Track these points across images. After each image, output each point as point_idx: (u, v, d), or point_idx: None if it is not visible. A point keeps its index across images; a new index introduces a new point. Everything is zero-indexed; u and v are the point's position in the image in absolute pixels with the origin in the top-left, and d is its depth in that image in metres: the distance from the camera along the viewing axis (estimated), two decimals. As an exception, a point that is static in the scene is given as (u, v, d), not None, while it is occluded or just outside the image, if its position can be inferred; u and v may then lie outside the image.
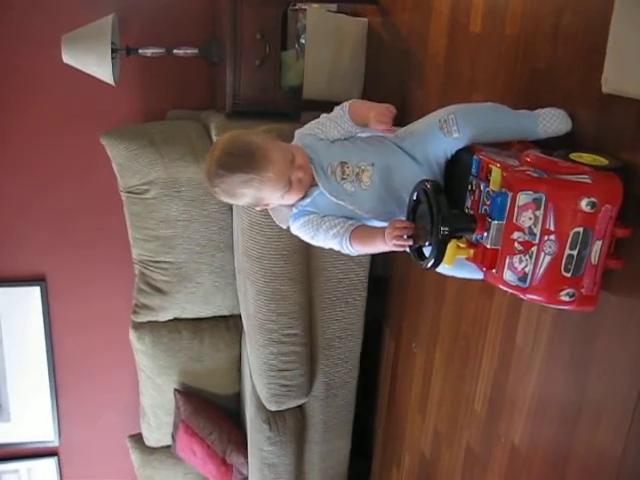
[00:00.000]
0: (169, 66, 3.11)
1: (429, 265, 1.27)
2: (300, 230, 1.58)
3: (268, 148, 1.47)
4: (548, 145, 1.48)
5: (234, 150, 1.48)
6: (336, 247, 1.54)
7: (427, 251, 1.30)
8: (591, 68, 1.42)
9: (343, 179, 1.53)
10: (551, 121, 1.48)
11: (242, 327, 2.98)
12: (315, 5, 2.82)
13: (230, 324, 3.15)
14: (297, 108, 2.78)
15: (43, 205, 3.31)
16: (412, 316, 2.48)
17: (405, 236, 1.37)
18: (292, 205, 1.56)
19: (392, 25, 2.63)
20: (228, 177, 1.47)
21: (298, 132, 1.63)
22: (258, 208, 1.62)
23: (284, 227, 1.63)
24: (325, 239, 1.54)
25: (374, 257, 2.49)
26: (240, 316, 2.98)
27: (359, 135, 1.61)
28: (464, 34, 2.04)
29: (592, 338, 1.43)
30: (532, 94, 1.67)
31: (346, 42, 2.75)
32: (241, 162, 1.46)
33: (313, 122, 1.63)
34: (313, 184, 1.55)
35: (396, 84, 2.56)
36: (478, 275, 1.43)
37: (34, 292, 3.43)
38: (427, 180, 1.29)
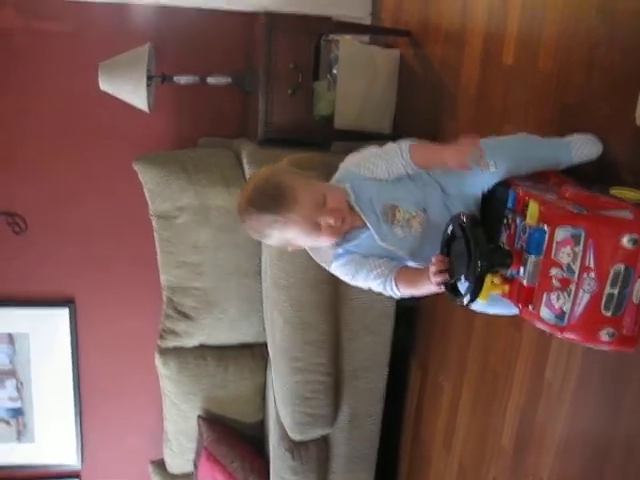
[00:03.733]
0: (202, 94, 3.15)
1: (465, 301, 1.25)
2: (340, 269, 1.52)
3: (296, 188, 1.41)
4: (583, 178, 1.47)
5: (264, 189, 1.43)
6: (377, 288, 1.49)
7: (462, 287, 1.28)
8: (625, 102, 1.42)
9: (393, 224, 1.47)
10: (583, 146, 1.47)
11: (267, 355, 2.97)
12: (348, 36, 2.85)
13: (255, 352, 3.14)
14: (328, 137, 2.80)
15: (75, 228, 3.35)
16: (439, 348, 2.46)
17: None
18: (336, 244, 1.50)
19: (424, 57, 2.64)
20: (255, 215, 1.43)
21: (344, 167, 1.55)
22: (290, 249, 1.55)
23: (327, 268, 1.56)
24: (366, 280, 1.48)
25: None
26: (266, 344, 2.98)
27: None
28: (496, 66, 2.05)
29: (624, 373, 1.40)
30: (564, 127, 1.66)
31: (378, 73, 2.77)
32: (268, 202, 1.41)
33: (361, 157, 1.53)
34: (359, 225, 1.48)
35: (427, 116, 2.57)
36: (511, 311, 1.41)
37: (63, 314, 3.46)
38: (463, 213, 1.27)
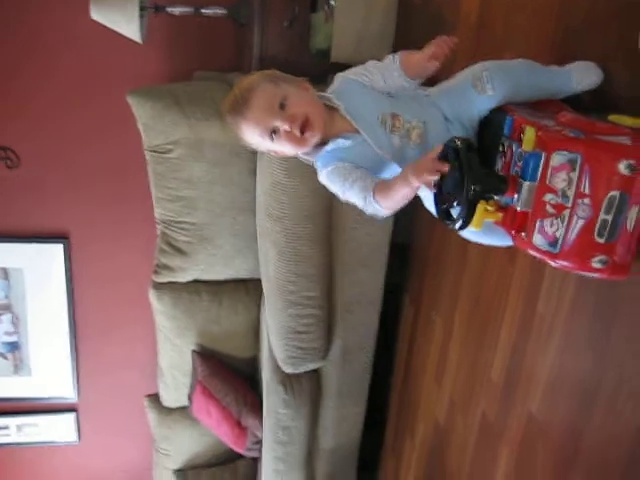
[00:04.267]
0: (197, 26, 3.09)
1: (457, 226, 1.24)
2: (329, 178, 1.47)
3: (254, 90, 1.41)
4: (582, 106, 1.45)
5: (233, 91, 1.46)
6: (359, 202, 1.44)
7: (455, 212, 1.27)
8: (629, 27, 1.38)
9: (392, 132, 1.44)
10: (583, 74, 1.44)
11: (262, 291, 2.98)
12: (346, -34, 2.77)
13: (250, 287, 3.15)
14: (324, 71, 2.73)
15: (68, 162, 3.33)
16: (432, 283, 2.47)
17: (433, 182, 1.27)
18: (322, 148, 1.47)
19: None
20: (226, 117, 1.48)
21: (340, 75, 1.53)
22: (273, 154, 1.53)
23: (310, 163, 1.53)
24: (351, 191, 1.43)
25: (396, 222, 2.46)
26: (260, 280, 2.98)
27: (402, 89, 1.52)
28: None
29: (616, 306, 1.40)
30: (566, 53, 1.62)
31: (376, 5, 2.70)
32: (228, 104, 1.46)
33: (359, 67, 1.53)
34: (348, 131, 1.45)
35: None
36: (505, 242, 1.40)
37: (57, 249, 3.47)
38: (457, 137, 1.24)
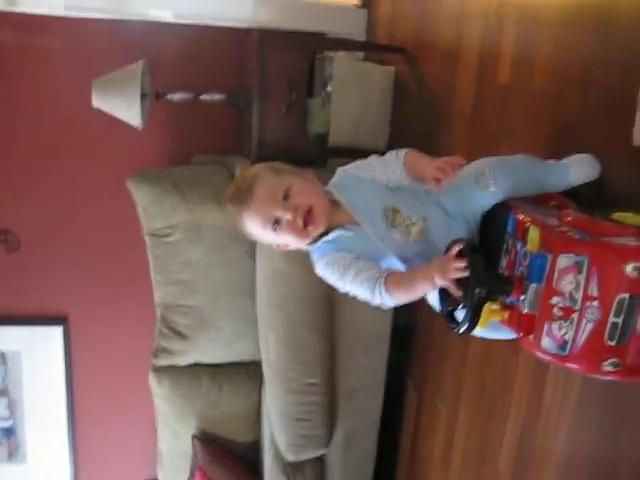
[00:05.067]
0: (196, 111, 3.12)
1: (463, 330, 1.23)
2: (327, 269, 1.44)
3: (258, 180, 1.41)
4: (582, 200, 1.46)
5: (235, 181, 1.48)
6: (365, 293, 1.40)
7: (460, 314, 1.25)
8: (622, 123, 1.40)
9: (393, 227, 1.43)
10: (581, 167, 1.46)
11: (262, 374, 2.93)
12: (342, 53, 2.83)
13: (250, 370, 3.09)
14: (323, 155, 2.78)
15: (67, 245, 3.32)
16: (436, 369, 2.43)
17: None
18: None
19: (419, 74, 2.63)
20: (227, 207, 1.48)
21: (342, 169, 1.54)
22: (276, 248, 1.52)
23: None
24: (353, 282, 1.39)
25: (397, 307, 2.44)
26: (260, 363, 2.94)
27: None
28: (492, 85, 2.04)
29: (624, 396, 1.37)
30: (561, 147, 1.65)
31: (372, 90, 2.75)
32: (231, 194, 1.46)
33: (361, 161, 1.53)
34: (348, 223, 1.45)
35: (422, 133, 2.56)
36: (509, 336, 1.38)
37: (56, 332, 3.42)
38: (461, 239, 1.25)
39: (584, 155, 1.48)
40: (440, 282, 1.27)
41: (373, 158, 1.53)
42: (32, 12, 3.01)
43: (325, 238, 1.45)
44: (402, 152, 1.48)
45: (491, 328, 1.32)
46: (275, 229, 1.41)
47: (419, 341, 2.59)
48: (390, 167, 1.48)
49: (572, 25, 1.64)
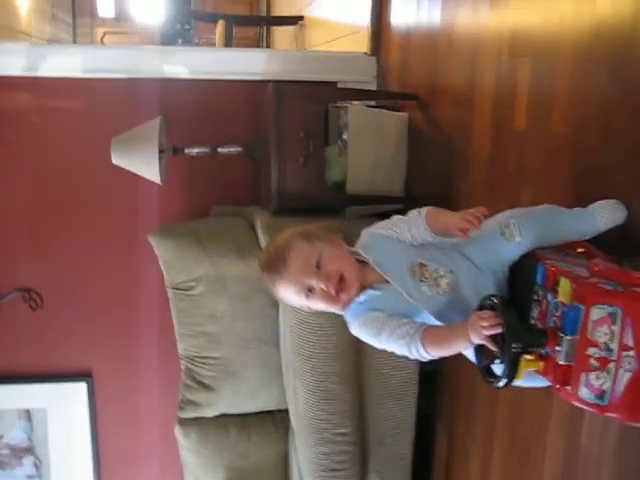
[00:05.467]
0: (213, 164, 3.17)
1: (501, 384, 1.24)
2: (361, 329, 1.48)
3: (290, 250, 1.45)
4: (609, 246, 1.47)
5: (267, 250, 1.52)
6: (401, 350, 1.43)
7: (497, 368, 1.27)
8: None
9: (421, 281, 1.46)
10: (607, 212, 1.47)
11: (289, 422, 2.93)
12: (356, 102, 2.88)
13: (277, 419, 3.10)
14: (342, 203, 2.81)
15: (90, 301, 3.35)
16: (465, 412, 2.42)
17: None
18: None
19: (433, 119, 2.67)
20: (261, 276, 1.51)
21: (367, 231, 1.58)
22: (306, 309, 1.56)
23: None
24: (389, 339, 1.42)
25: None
26: (286, 410, 2.94)
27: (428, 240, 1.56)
28: (508, 131, 2.05)
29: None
30: (582, 192, 1.66)
31: (387, 137, 2.79)
32: (265, 263, 1.50)
33: (385, 222, 1.58)
34: (378, 282, 1.48)
35: (439, 178, 2.58)
36: (542, 384, 1.39)
37: (81, 387, 3.43)
38: (494, 295, 1.27)
39: (610, 200, 1.49)
40: (476, 340, 1.29)
41: (396, 218, 1.57)
42: (51, 76, 3.10)
43: (356, 299, 1.48)
44: (424, 210, 1.52)
45: (527, 378, 1.33)
46: (308, 296, 1.46)
47: (447, 385, 2.58)
48: (413, 225, 1.52)
49: (588, 68, 1.65)
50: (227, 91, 3.23)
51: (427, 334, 1.39)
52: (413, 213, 1.54)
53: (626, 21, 1.51)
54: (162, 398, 3.40)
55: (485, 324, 1.25)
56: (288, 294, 1.48)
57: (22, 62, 3.07)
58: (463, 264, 1.50)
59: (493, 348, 1.26)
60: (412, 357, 1.44)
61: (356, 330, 1.51)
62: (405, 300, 1.47)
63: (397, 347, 1.43)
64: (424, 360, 1.44)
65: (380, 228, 1.56)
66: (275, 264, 1.46)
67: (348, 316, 1.52)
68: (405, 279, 1.47)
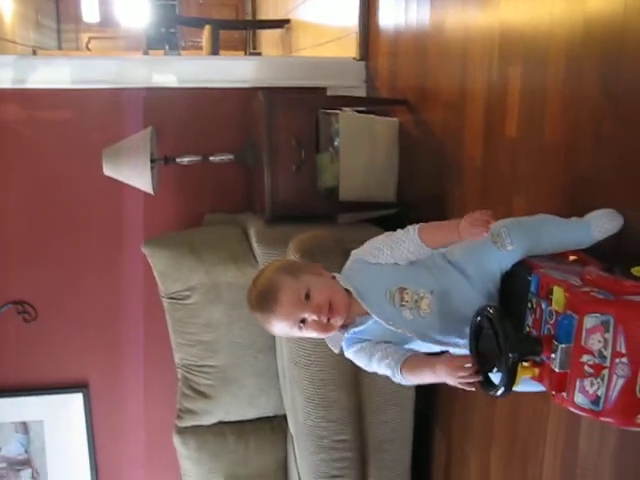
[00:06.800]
0: (205, 172, 3.17)
1: (500, 393, 1.26)
2: (355, 357, 1.57)
3: (279, 289, 1.48)
4: (602, 254, 1.48)
5: (255, 288, 1.54)
6: (388, 375, 1.53)
7: (495, 377, 1.29)
8: (636, 174, 1.43)
9: (402, 305, 1.49)
10: (602, 221, 1.47)
11: (287, 427, 2.94)
12: (346, 108, 2.89)
13: (275, 425, 3.11)
14: (334, 210, 2.82)
15: (83, 311, 3.35)
16: (462, 416, 2.43)
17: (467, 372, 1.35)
18: (344, 329, 1.54)
19: (423, 123, 2.67)
20: (253, 314, 1.56)
21: (353, 253, 1.61)
22: (297, 335, 1.60)
23: (335, 351, 1.60)
24: (379, 367, 1.52)
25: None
26: (284, 416, 2.95)
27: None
28: (500, 137, 2.04)
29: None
30: (576, 199, 1.67)
31: (379, 143, 2.81)
32: (255, 302, 1.53)
33: (369, 244, 1.59)
34: (363, 311, 1.52)
35: (432, 183, 2.58)
36: (537, 389, 1.41)
37: (77, 398, 3.43)
38: (489, 305, 1.29)
39: (606, 210, 1.49)
40: (450, 382, 1.38)
41: (379, 238, 1.58)
42: (40, 87, 3.10)
43: (347, 333, 1.54)
44: (413, 229, 1.53)
45: (522, 384, 1.35)
46: (301, 328, 1.50)
47: (444, 387, 2.59)
48: (402, 246, 1.53)
49: (578, 79, 1.65)
50: (217, 99, 3.23)
51: (405, 365, 1.48)
52: (398, 233, 1.55)
53: (616, 20, 1.51)
54: (159, 408, 3.40)
55: (463, 374, 1.35)
56: (282, 329, 1.52)
57: (10, 74, 3.07)
58: (453, 275, 1.51)
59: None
60: (398, 382, 1.54)
61: (350, 356, 1.59)
62: (389, 329, 1.51)
63: (384, 373, 1.53)
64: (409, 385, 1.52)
65: (363, 252, 1.58)
66: (267, 303, 1.50)
67: (343, 344, 1.57)
68: (384, 307, 1.50)
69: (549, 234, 1.47)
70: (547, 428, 1.85)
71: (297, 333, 1.52)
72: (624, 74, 1.50)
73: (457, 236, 1.45)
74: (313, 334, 1.51)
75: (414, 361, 1.47)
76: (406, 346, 1.53)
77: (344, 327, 1.53)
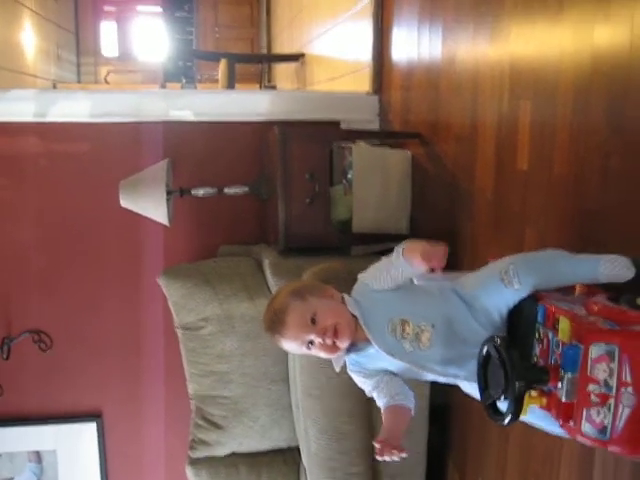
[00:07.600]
0: (220, 203, 3.22)
1: (507, 421, 1.27)
2: (355, 377, 1.68)
3: (286, 312, 1.56)
4: (609, 284, 1.48)
5: (267, 310, 1.63)
6: None
7: (502, 406, 1.30)
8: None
9: (403, 338, 1.53)
10: (612, 266, 1.43)
11: (300, 460, 2.93)
12: (360, 142, 2.94)
13: (287, 457, 3.10)
14: (347, 242, 2.84)
15: (98, 341, 3.38)
16: (476, 448, 2.42)
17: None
18: (348, 351, 1.61)
19: (436, 157, 2.70)
20: (266, 334, 1.65)
21: (360, 277, 1.65)
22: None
23: (337, 370, 1.66)
24: (373, 397, 1.67)
25: (433, 386, 2.46)
26: (297, 448, 2.95)
27: (417, 282, 1.63)
28: (511, 171, 2.06)
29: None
30: (585, 232, 1.68)
31: (392, 175, 2.84)
32: (267, 323, 1.62)
33: (373, 269, 1.63)
34: (365, 339, 1.57)
35: (444, 215, 2.60)
36: (552, 429, 1.42)
37: (90, 428, 3.45)
38: (497, 335, 1.30)
39: (621, 258, 1.43)
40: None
41: (382, 262, 1.62)
42: (60, 121, 3.18)
43: (350, 358, 1.62)
44: (401, 247, 1.57)
45: (532, 415, 1.36)
46: (309, 348, 1.58)
47: (457, 419, 2.59)
48: (393, 267, 1.57)
49: (585, 116, 1.67)
50: (232, 132, 3.29)
51: (387, 411, 1.62)
52: (393, 254, 1.59)
53: (623, 55, 1.54)
54: (171, 438, 3.41)
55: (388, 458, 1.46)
56: (292, 348, 1.62)
57: (32, 108, 3.16)
58: (459, 308, 1.53)
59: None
60: None
61: (352, 376, 1.69)
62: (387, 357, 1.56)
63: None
64: None
65: (367, 276, 1.63)
66: (276, 325, 1.58)
67: (348, 363, 1.66)
68: (386, 338, 1.55)
69: (557, 273, 1.45)
70: (560, 460, 1.84)
71: (307, 352, 1.60)
72: (630, 110, 1.53)
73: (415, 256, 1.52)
74: (321, 354, 1.58)
75: (386, 416, 1.62)
76: (408, 375, 1.60)
77: (353, 345, 1.59)
